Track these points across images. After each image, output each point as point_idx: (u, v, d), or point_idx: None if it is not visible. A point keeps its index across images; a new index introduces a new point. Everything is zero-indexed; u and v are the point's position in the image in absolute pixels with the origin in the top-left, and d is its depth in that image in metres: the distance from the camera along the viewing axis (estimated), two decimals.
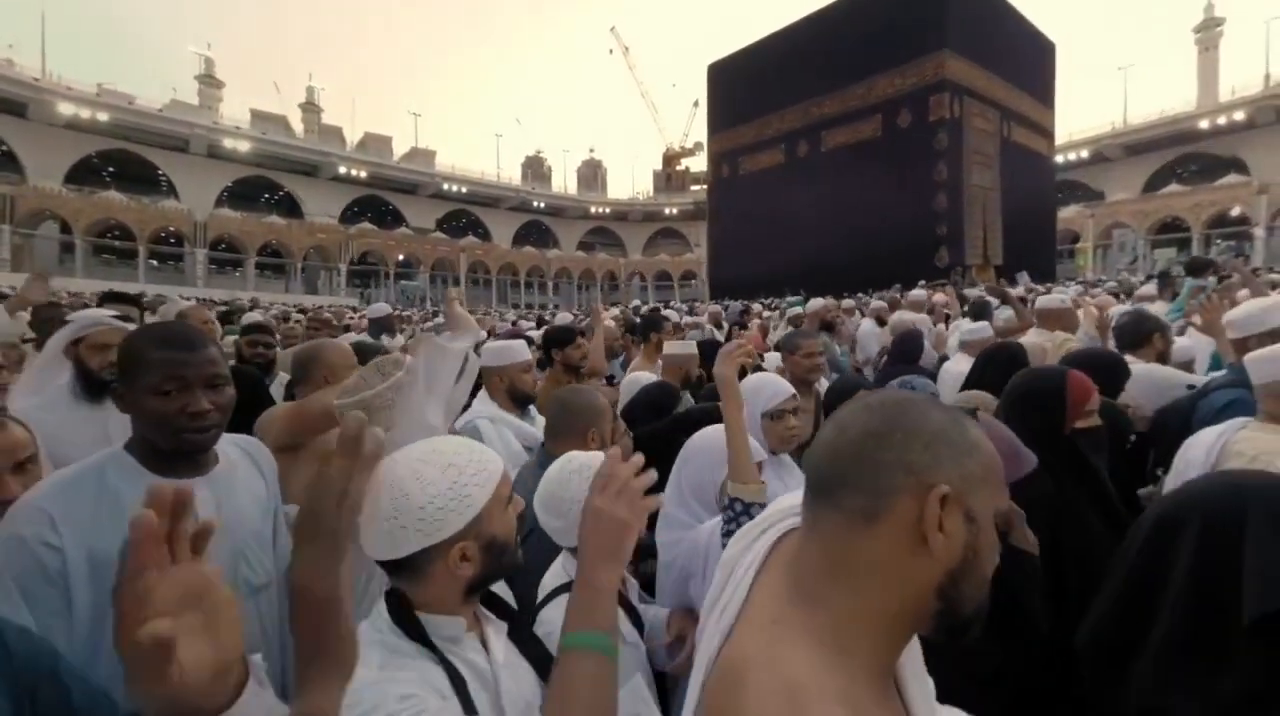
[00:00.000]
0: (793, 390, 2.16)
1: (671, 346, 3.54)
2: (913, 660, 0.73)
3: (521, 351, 2.83)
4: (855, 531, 0.65)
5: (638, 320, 5.30)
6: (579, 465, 1.38)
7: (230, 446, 1.38)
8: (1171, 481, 1.75)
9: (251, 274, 37.22)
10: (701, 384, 3.40)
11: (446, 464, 0.96)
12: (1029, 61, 21.90)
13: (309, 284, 39.22)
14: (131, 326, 2.67)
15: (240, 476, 1.36)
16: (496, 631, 1.05)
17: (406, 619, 0.95)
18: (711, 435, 1.75)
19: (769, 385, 2.13)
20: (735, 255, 24.03)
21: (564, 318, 7.46)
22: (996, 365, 2.66)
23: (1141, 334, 2.98)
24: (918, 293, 7.79)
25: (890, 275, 12.82)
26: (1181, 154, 39.42)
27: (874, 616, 0.65)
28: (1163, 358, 3.00)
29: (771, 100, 22.75)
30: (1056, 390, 1.70)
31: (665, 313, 5.55)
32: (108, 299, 3.95)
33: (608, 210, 57.39)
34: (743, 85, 24.15)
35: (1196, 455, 1.70)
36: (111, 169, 36.83)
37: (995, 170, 19.51)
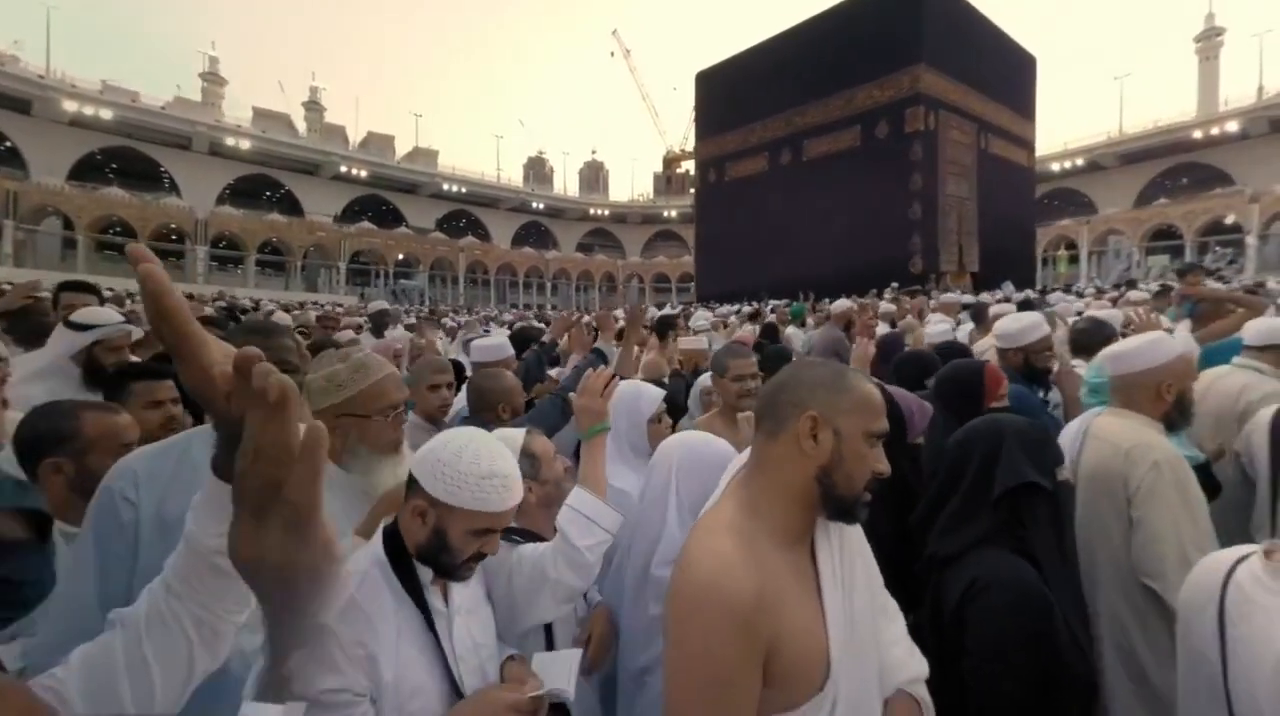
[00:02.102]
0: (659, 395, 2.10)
1: (686, 341, 4.48)
2: (847, 545, 1.11)
3: (508, 348, 3.56)
4: (769, 444, 1.09)
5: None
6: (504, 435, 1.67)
7: None
8: None
9: (252, 271, 37.61)
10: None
11: (491, 462, 1.15)
12: (1008, 74, 22.13)
13: (309, 282, 39.59)
14: (134, 329, 2.74)
15: None
16: (462, 584, 1.22)
17: (402, 557, 1.14)
18: (701, 447, 1.69)
19: (645, 393, 2.10)
20: (720, 259, 24.35)
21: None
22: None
23: (1096, 340, 3.07)
24: (949, 296, 8.61)
25: (866, 282, 13.11)
26: (1176, 163, 39.47)
27: (775, 491, 1.07)
28: None
29: (756, 109, 23.05)
30: (977, 378, 2.22)
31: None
32: (66, 288, 3.74)
33: (607, 212, 57.51)
34: (729, 93, 24.46)
35: (1065, 437, 2.00)
36: (114, 166, 37.19)
37: (972, 181, 19.78)
